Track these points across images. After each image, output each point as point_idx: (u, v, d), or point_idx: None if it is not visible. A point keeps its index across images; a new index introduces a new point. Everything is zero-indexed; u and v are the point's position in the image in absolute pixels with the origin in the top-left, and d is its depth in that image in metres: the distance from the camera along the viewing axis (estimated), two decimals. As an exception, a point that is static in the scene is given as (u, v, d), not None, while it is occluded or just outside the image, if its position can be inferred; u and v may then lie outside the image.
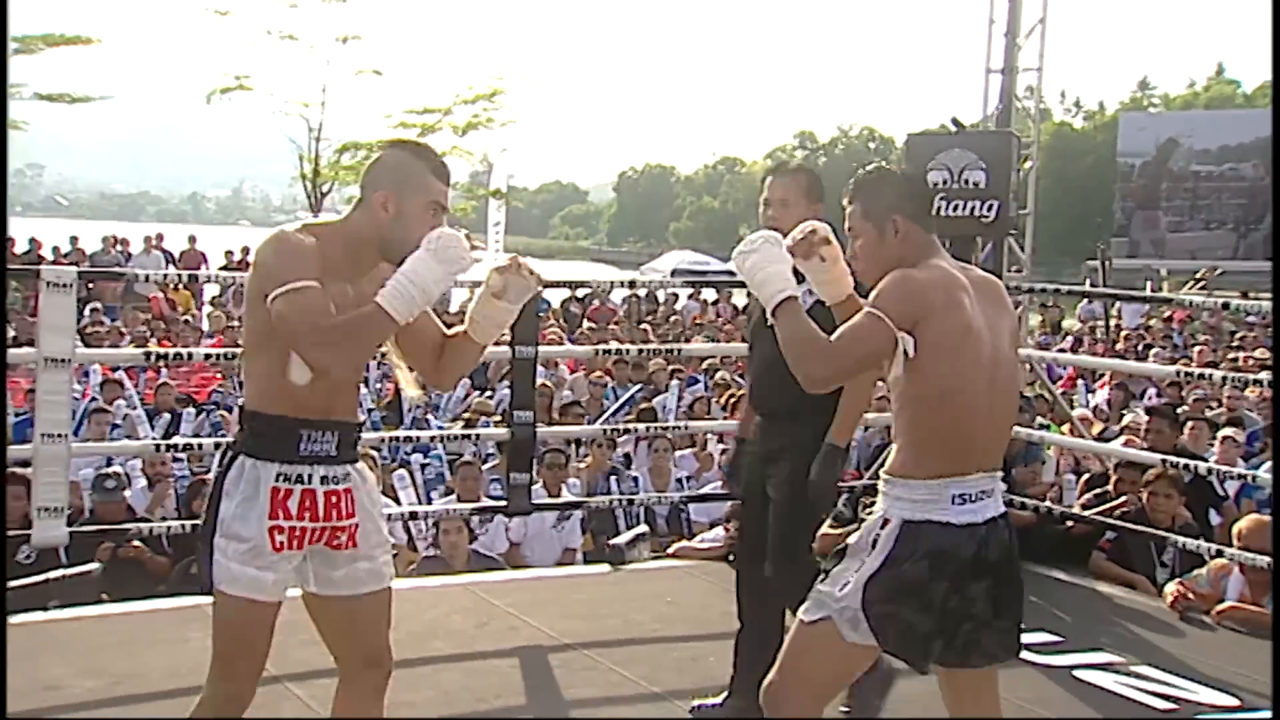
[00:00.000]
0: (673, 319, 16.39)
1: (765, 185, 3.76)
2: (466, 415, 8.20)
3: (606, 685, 4.12)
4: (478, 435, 6.31)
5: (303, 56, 18.99)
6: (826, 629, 2.58)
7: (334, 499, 2.63)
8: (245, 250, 18.59)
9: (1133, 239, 34.86)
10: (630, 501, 6.28)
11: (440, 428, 8.02)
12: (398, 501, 6.50)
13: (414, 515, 5.78)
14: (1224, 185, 34.52)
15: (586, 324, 14.81)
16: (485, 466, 6.84)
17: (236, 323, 12.42)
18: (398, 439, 6.93)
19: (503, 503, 5.49)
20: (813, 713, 2.65)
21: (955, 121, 7.14)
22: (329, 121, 19.62)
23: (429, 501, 6.81)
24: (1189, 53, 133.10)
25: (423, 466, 7.08)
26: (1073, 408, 9.54)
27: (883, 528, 2.56)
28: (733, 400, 7.92)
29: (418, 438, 6.95)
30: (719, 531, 5.85)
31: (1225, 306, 11.63)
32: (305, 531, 2.60)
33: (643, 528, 6.03)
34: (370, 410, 8.08)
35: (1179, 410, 9.17)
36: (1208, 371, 8.15)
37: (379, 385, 9.56)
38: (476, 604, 4.90)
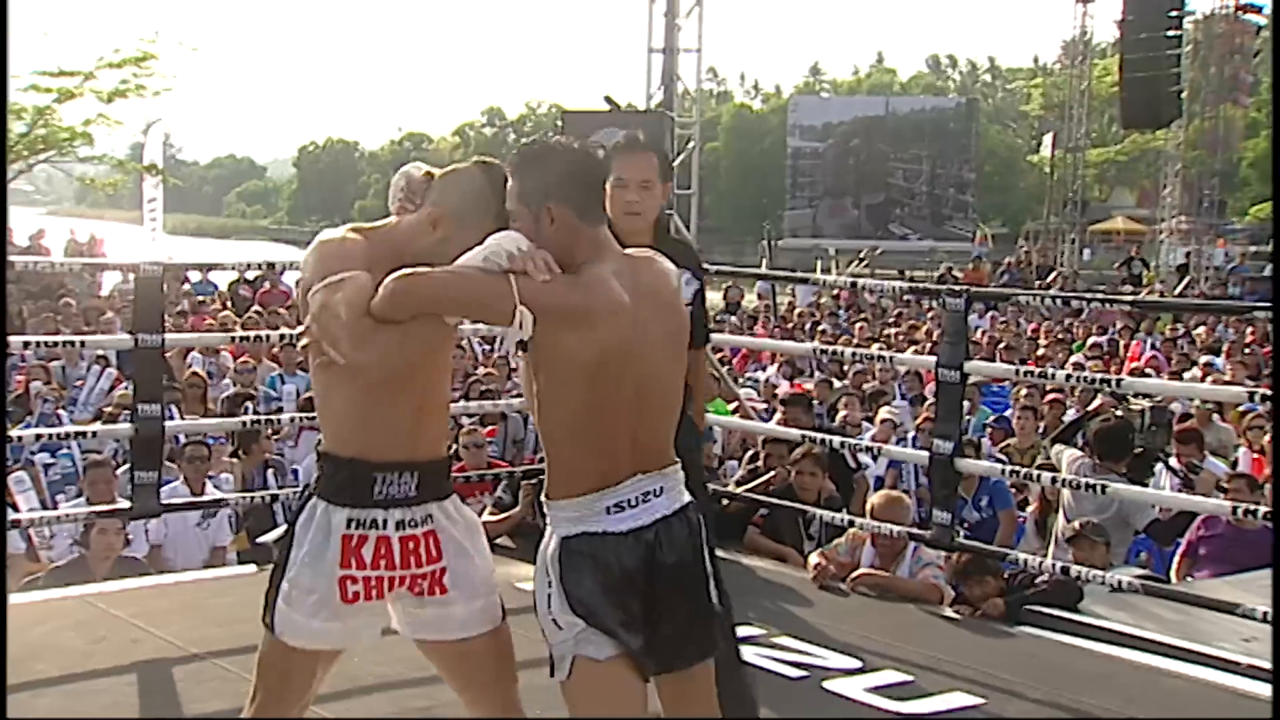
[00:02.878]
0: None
1: (617, 163, 3.23)
2: (109, 409, 7.57)
3: (235, 696, 3.78)
4: (94, 433, 5.78)
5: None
6: (584, 669, 2.36)
7: (412, 544, 2.47)
8: None
9: (801, 219, 36.73)
10: (275, 498, 5.94)
11: (73, 424, 7.37)
12: (15, 508, 5.90)
13: (16, 524, 5.22)
14: (861, 166, 36.82)
15: (256, 308, 14.08)
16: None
17: None
18: (11, 439, 6.26)
19: (127, 505, 5.06)
20: None
21: (609, 100, 7.17)
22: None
23: (54, 505, 6.24)
24: (854, 41, 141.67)
25: (46, 467, 6.47)
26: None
27: (547, 551, 2.40)
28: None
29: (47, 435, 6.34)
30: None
31: (854, 286, 12.39)
32: (382, 580, 2.46)
33: (293, 523, 5.72)
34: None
35: (840, 385, 9.72)
36: (839, 348, 8.56)
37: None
38: (95, 617, 4.48)
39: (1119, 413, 6.78)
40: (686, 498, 2.47)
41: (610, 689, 2.37)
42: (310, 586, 2.45)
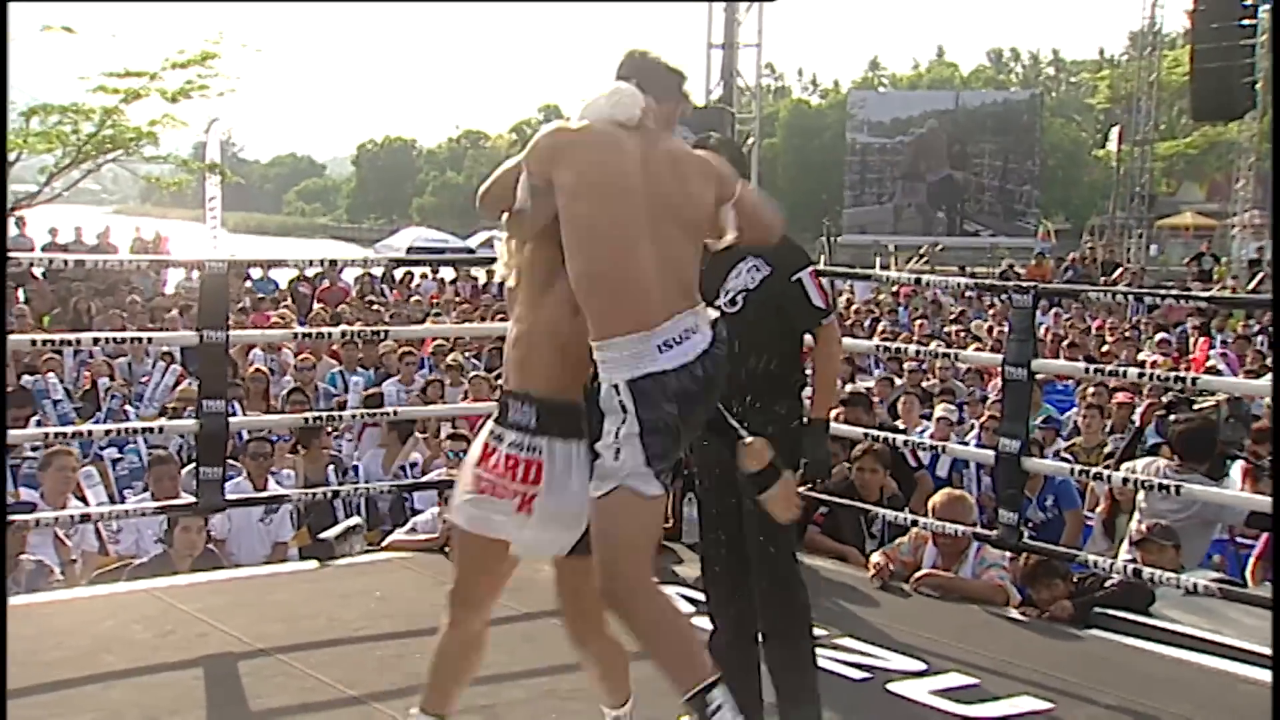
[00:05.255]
0: (412, 300, 15.95)
1: None
2: (172, 405, 7.66)
3: (299, 691, 3.88)
4: (161, 429, 5.84)
5: (-31, 6, 17.12)
6: (625, 495, 2.69)
7: (512, 462, 2.90)
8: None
9: (862, 215, 36.39)
10: (336, 494, 5.98)
11: (139, 419, 7.46)
12: (85, 501, 5.98)
13: (86, 518, 5.28)
14: (929, 161, 36.31)
15: (318, 305, 14.22)
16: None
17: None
18: (83, 433, 6.35)
19: (192, 500, 5.11)
20: (649, 580, 2.74)
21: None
22: (13, 82, 17.84)
23: (122, 500, 6.32)
24: (914, 35, 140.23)
25: (114, 462, 6.55)
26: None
27: (617, 394, 2.70)
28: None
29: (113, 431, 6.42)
30: (431, 515, 5.63)
31: (918, 282, 12.22)
32: (496, 487, 2.92)
33: (355, 519, 5.77)
34: (58, 402, 7.45)
35: (898, 383, 9.59)
36: (902, 345, 8.44)
37: (75, 374, 8.87)
38: (162, 611, 4.54)
39: (1196, 408, 6.61)
40: (712, 331, 2.80)
41: (645, 519, 2.74)
42: (463, 479, 3.02)
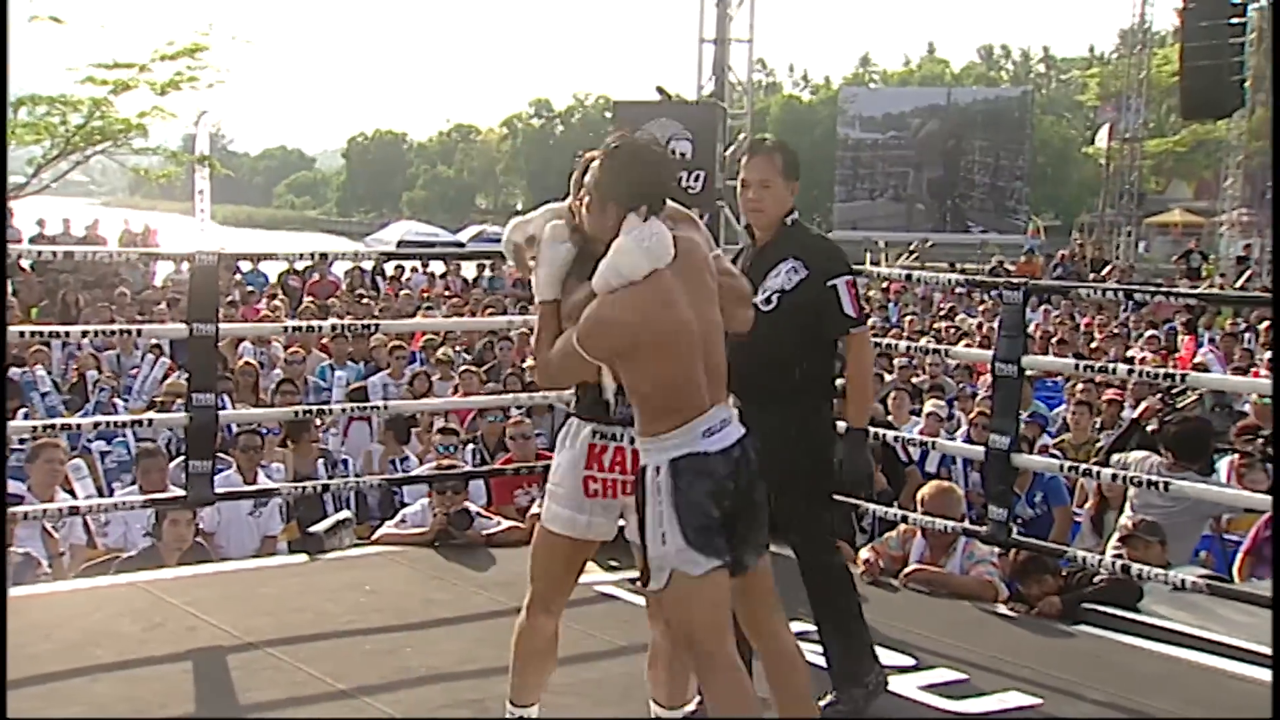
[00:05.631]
0: (402, 293, 15.93)
1: (742, 165, 3.67)
2: (161, 398, 7.64)
3: (289, 685, 3.88)
4: (150, 421, 5.82)
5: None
6: (680, 581, 2.83)
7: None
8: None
9: (853, 211, 36.40)
10: (326, 488, 5.96)
11: (128, 412, 7.43)
12: (73, 494, 5.95)
13: (75, 510, 5.25)
14: (922, 157, 36.34)
15: (308, 298, 14.18)
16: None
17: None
18: (70, 426, 6.33)
19: (181, 493, 5.09)
20: (730, 649, 2.89)
21: (661, 90, 7.11)
22: (-1, 73, 17.70)
23: (111, 493, 6.29)
24: (904, 32, 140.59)
25: (103, 455, 6.53)
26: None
27: (657, 475, 2.83)
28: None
29: (102, 423, 6.40)
30: (420, 506, 5.62)
31: (908, 278, 12.23)
32: (617, 483, 3.06)
33: (345, 513, 5.76)
34: (46, 394, 7.43)
35: (887, 378, 9.59)
36: (892, 342, 8.45)
37: (63, 367, 8.83)
38: (151, 604, 4.53)
39: (1179, 405, 6.63)
40: (741, 428, 2.94)
41: (705, 598, 2.85)
42: (565, 483, 3.10)
